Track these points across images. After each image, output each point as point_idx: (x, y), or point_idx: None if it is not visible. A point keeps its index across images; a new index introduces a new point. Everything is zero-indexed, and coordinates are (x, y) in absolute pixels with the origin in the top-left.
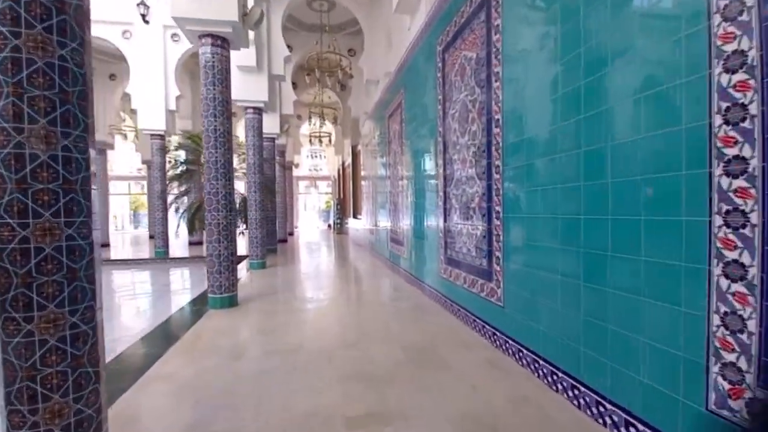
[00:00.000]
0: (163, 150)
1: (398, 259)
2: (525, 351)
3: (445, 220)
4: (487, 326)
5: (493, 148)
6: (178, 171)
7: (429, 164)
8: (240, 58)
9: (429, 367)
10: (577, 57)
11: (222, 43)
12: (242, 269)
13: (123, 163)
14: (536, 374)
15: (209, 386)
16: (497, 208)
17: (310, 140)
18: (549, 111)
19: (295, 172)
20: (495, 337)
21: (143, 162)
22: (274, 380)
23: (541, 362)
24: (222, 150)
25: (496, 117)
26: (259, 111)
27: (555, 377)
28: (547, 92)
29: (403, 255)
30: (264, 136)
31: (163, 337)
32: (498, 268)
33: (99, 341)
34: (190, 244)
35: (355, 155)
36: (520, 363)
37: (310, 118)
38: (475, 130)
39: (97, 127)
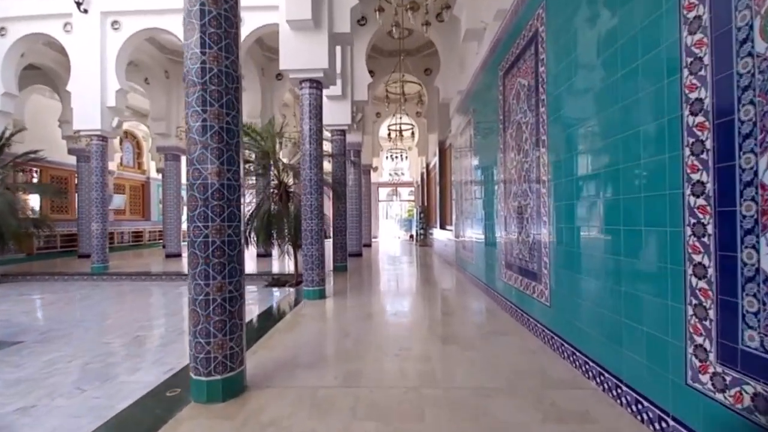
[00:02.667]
0: None
1: (522, 298)
2: None
3: (740, 245)
4: None
5: None
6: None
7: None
8: (289, 10)
9: None
10: None
11: None
12: (297, 294)
13: None
14: None
15: None
16: None
17: (389, 134)
18: None
19: (375, 178)
20: None
21: None
22: None
23: None
24: (214, 109)
25: None
26: (317, 84)
27: None
28: None
29: (535, 296)
30: (331, 127)
31: None
32: None
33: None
34: (259, 256)
35: (442, 153)
36: None
37: (387, 97)
38: None
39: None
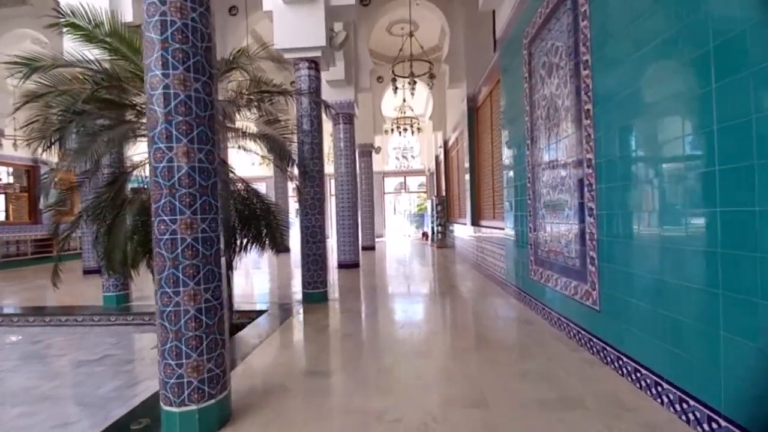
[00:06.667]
0: None
1: None
2: None
3: None
4: None
5: None
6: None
7: None
8: None
9: None
10: None
11: None
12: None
13: None
14: None
15: None
16: None
17: (395, 88)
18: None
19: (380, 166)
20: None
21: None
22: None
23: None
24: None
25: None
26: None
27: None
28: None
29: None
30: (291, 53)
31: None
32: None
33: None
34: None
35: (473, 114)
36: None
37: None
38: None
39: None
